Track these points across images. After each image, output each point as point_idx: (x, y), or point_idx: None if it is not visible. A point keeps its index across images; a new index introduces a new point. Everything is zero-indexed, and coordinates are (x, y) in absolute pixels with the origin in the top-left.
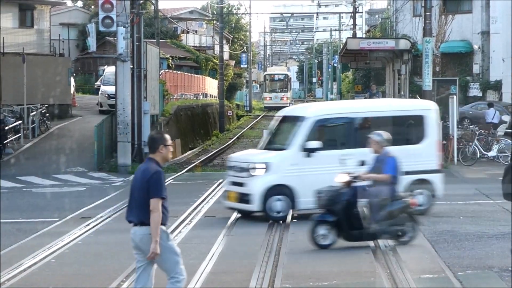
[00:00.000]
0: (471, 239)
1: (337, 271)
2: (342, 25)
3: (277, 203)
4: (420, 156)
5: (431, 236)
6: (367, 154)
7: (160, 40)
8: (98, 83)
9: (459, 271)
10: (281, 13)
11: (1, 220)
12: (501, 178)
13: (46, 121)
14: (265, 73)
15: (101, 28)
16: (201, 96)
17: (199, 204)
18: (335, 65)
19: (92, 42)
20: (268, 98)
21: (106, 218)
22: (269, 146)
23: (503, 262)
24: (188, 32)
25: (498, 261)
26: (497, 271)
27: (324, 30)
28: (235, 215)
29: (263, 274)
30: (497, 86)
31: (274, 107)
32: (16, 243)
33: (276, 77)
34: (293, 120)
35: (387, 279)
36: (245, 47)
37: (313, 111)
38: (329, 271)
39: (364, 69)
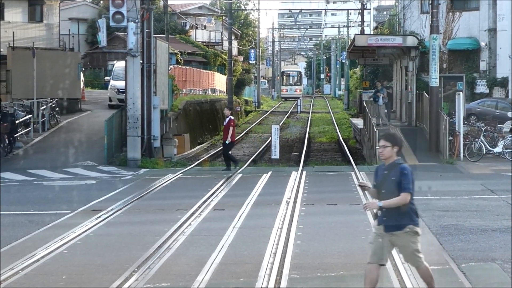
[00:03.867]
0: (475, 233)
1: (343, 262)
2: (350, 21)
3: None
4: None
5: (436, 230)
6: None
7: (169, 36)
8: (107, 78)
9: (463, 263)
10: (290, 10)
11: (14, 212)
12: (507, 173)
13: (56, 115)
14: (282, 70)
15: (112, 24)
16: (209, 92)
17: (208, 198)
18: (343, 61)
19: (102, 37)
20: (284, 90)
21: (117, 211)
22: None
23: (506, 255)
24: (197, 28)
25: (501, 253)
26: (500, 263)
27: (333, 27)
28: (244, 208)
29: (271, 265)
30: (503, 83)
31: (289, 97)
32: (29, 234)
33: (291, 73)
34: None
35: (392, 271)
36: (253, 43)
37: None
38: (336, 263)
39: (372, 65)
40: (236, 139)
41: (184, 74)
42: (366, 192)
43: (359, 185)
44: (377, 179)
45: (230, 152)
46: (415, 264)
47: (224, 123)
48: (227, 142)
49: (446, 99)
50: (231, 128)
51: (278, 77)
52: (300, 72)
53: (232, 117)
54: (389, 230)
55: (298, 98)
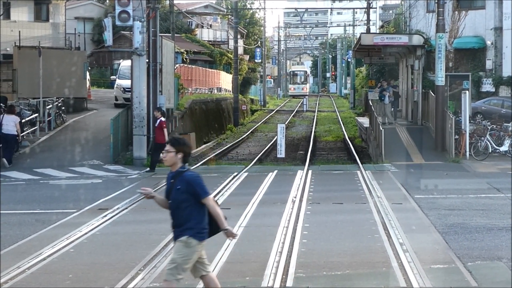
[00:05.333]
0: (481, 231)
1: (349, 261)
2: (356, 20)
3: None
4: None
5: (442, 228)
6: None
7: (175, 35)
8: (113, 77)
9: (469, 262)
10: (296, 8)
11: (20, 211)
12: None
13: (62, 114)
14: (290, 70)
15: (118, 23)
16: (215, 91)
17: (214, 197)
18: (349, 60)
19: (108, 36)
20: (292, 89)
21: (123, 210)
22: None
23: None
24: (202, 27)
25: (507, 252)
26: (506, 262)
27: (338, 25)
28: (250, 207)
29: (277, 263)
30: (509, 82)
31: (297, 94)
32: (35, 233)
33: (298, 73)
34: None
35: (398, 269)
36: (259, 42)
37: None
38: (342, 261)
39: (378, 64)
40: (241, 138)
41: (190, 73)
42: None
43: (141, 193)
44: (167, 187)
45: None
46: (167, 277)
47: (156, 125)
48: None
49: (452, 98)
50: (164, 130)
51: (284, 76)
52: (306, 72)
53: (163, 119)
54: (176, 238)
55: (305, 95)
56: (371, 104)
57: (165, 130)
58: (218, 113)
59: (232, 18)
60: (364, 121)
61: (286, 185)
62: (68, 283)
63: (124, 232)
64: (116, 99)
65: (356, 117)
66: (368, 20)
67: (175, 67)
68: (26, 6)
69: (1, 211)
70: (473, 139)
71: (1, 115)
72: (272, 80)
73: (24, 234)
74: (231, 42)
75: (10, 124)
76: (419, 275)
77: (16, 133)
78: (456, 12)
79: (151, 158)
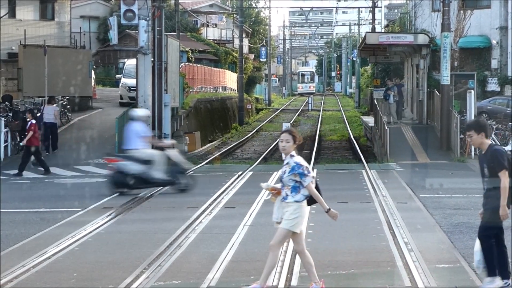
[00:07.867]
0: None
1: (354, 260)
2: (361, 19)
3: None
4: None
5: (447, 228)
6: None
7: (180, 33)
8: (118, 75)
9: (473, 261)
10: (301, 7)
11: (25, 210)
12: None
13: (67, 113)
14: (298, 71)
15: (123, 21)
16: (220, 89)
17: (219, 196)
18: (354, 59)
19: (113, 35)
20: (300, 87)
21: (128, 208)
22: None
23: None
24: (208, 26)
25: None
26: (511, 261)
27: (344, 25)
28: (254, 206)
29: (282, 262)
30: None
31: (304, 92)
32: (40, 232)
33: (306, 73)
34: None
35: (403, 269)
36: (264, 41)
37: None
38: (346, 260)
39: (383, 63)
40: (246, 136)
41: (195, 72)
42: None
43: None
44: None
45: (42, 157)
46: None
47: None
48: (22, 144)
49: (457, 97)
50: (29, 133)
51: (289, 75)
52: (313, 72)
53: (33, 121)
54: None
55: (312, 93)
56: (376, 103)
57: (30, 133)
58: (223, 112)
59: (237, 17)
60: (369, 120)
61: None
62: (72, 282)
63: (128, 230)
64: (121, 98)
65: (361, 116)
66: (373, 19)
67: (180, 66)
68: (31, 4)
69: (7, 210)
70: None
71: (42, 105)
72: (277, 79)
73: (29, 233)
74: (236, 41)
75: (50, 113)
76: (424, 274)
77: (55, 121)
78: (462, 11)
79: (38, 161)
